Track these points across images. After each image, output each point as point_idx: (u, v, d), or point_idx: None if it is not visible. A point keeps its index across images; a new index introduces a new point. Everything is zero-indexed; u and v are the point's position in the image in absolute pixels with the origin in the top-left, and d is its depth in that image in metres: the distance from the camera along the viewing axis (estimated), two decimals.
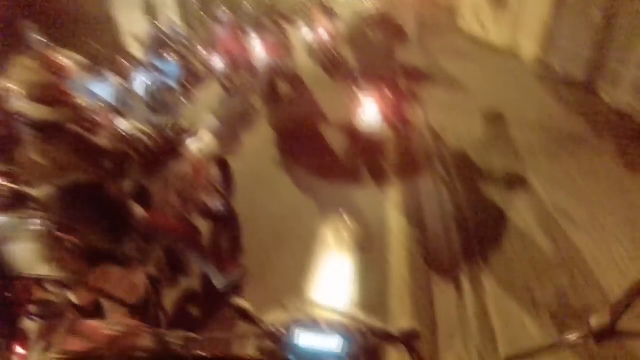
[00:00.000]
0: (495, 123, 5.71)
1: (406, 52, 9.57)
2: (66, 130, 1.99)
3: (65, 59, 2.08)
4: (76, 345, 0.80)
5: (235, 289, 3.03)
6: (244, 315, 1.02)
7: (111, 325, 0.86)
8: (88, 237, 2.14)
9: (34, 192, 2.08)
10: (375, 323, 1.07)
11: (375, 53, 4.84)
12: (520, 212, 3.79)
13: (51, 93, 1.97)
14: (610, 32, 6.58)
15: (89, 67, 6.34)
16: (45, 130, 1.96)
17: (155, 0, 17.57)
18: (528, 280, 3.02)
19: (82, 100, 2.14)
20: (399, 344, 1.00)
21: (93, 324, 0.87)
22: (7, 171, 2.51)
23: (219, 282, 2.92)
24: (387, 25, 4.87)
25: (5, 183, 2.47)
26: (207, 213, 3.44)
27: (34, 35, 9.07)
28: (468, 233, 3.50)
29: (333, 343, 0.90)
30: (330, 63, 9.28)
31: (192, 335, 0.91)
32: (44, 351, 1.82)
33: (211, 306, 2.93)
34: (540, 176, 4.35)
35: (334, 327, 0.95)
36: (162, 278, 2.70)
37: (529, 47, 9.46)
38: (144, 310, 2.47)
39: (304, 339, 0.91)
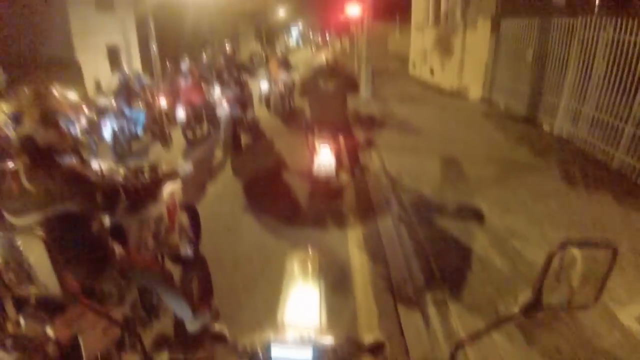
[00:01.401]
0: (447, 161, 6.03)
1: (360, 101, 10.09)
2: (60, 161, 2.04)
3: (61, 95, 2.17)
4: None
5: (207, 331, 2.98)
6: (222, 339, 1.09)
7: None
8: (71, 270, 2.11)
9: (20, 220, 2.05)
10: (344, 338, 1.15)
11: (329, 103, 5.06)
12: (476, 238, 3.97)
13: (54, 120, 2.05)
14: (543, 69, 7.23)
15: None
16: (42, 156, 2.00)
17: (119, 48, 18.58)
18: (491, 298, 3.15)
19: (74, 135, 2.21)
20: (368, 355, 1.09)
21: None
22: None
23: (191, 324, 2.84)
24: (341, 76, 5.12)
25: None
26: (177, 258, 3.40)
27: None
28: (429, 263, 3.64)
29: (306, 356, 0.99)
30: (287, 113, 9.70)
31: None
32: None
33: (184, 350, 2.88)
34: (492, 204, 4.59)
35: (305, 342, 1.04)
36: (137, 319, 2.62)
37: (474, 88, 10.20)
38: (118, 350, 2.39)
39: (278, 354, 0.99)
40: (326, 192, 5.20)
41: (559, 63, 6.72)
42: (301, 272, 1.93)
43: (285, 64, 10.29)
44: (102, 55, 16.87)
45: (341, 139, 4.95)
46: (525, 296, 0.86)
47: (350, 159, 5.75)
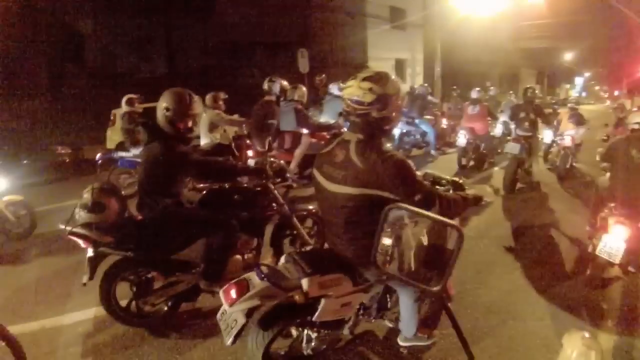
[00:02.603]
0: None
1: None
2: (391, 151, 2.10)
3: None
4: None
5: None
6: None
7: None
8: None
9: (331, 186, 2.19)
10: None
11: (633, 176, 4.05)
12: None
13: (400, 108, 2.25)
14: None
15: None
16: (379, 137, 2.11)
17: (405, 62, 22.27)
18: None
19: None
20: None
21: None
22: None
23: (405, 339, 2.78)
24: None
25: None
26: None
27: (305, 61, 11.56)
28: None
29: None
30: (566, 171, 8.51)
31: None
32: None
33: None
34: None
35: None
36: (368, 311, 2.70)
37: None
38: (336, 326, 2.54)
39: None
40: (596, 277, 4.32)
41: None
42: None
43: (576, 118, 9.01)
44: (389, 66, 20.21)
45: (636, 223, 4.02)
46: None
47: (634, 254, 4.55)
